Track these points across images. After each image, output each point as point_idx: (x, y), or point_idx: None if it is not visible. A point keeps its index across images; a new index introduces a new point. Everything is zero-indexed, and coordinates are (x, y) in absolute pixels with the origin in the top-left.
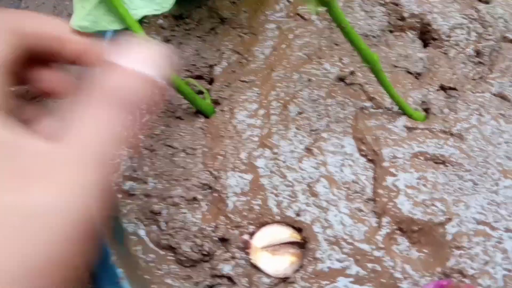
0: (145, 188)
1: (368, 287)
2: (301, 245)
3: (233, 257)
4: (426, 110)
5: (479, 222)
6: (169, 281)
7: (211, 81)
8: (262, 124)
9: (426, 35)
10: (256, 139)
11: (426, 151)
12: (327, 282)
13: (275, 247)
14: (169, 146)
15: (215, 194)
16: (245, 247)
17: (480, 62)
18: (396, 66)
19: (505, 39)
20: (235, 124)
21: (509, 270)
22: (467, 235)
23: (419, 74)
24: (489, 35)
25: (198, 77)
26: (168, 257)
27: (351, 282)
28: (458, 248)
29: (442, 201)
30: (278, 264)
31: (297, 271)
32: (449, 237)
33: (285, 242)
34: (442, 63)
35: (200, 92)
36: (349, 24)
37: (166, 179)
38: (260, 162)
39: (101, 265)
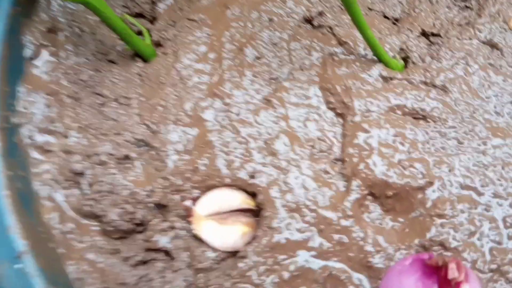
0: (65, 144)
1: (333, 262)
2: (255, 213)
3: (172, 227)
4: (405, 59)
5: (464, 187)
6: (91, 256)
7: (153, 20)
8: (212, 70)
9: None
10: (204, 87)
11: (405, 104)
12: (285, 257)
13: (223, 215)
14: (98, 94)
15: (152, 152)
16: (187, 215)
17: (466, 6)
18: (371, 9)
19: None
20: (179, 70)
21: (498, 242)
22: (450, 201)
23: (397, 19)
24: None
25: (138, 15)
26: (92, 227)
27: (313, 256)
28: (440, 216)
29: (421, 162)
30: (227, 235)
31: (249, 243)
32: (429, 204)
33: (235, 209)
34: (423, 7)
35: (140, 33)
36: None
37: (93, 134)
38: (208, 115)
39: None
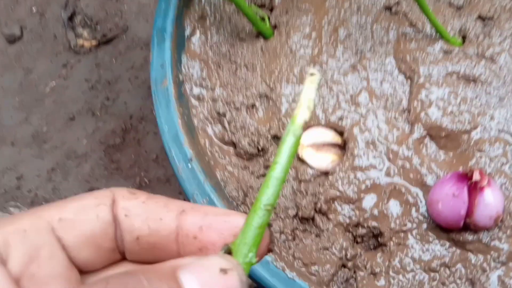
0: (212, 94)
1: (397, 180)
2: (342, 148)
3: None
4: (463, 38)
5: (501, 131)
6: (230, 168)
7: (271, 9)
8: (313, 44)
9: None
10: (307, 57)
11: (459, 70)
12: (362, 174)
13: (319, 146)
14: (233, 62)
15: (270, 102)
16: None
17: None
18: (438, 1)
19: None
20: (290, 45)
21: None
22: (489, 141)
23: (460, 7)
24: None
25: (261, 6)
26: (230, 151)
27: (382, 175)
28: (480, 151)
29: (469, 113)
30: (321, 159)
31: (336, 165)
32: (472, 142)
33: (328, 143)
34: None
35: (262, 18)
36: None
37: (230, 88)
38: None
39: (174, 144)
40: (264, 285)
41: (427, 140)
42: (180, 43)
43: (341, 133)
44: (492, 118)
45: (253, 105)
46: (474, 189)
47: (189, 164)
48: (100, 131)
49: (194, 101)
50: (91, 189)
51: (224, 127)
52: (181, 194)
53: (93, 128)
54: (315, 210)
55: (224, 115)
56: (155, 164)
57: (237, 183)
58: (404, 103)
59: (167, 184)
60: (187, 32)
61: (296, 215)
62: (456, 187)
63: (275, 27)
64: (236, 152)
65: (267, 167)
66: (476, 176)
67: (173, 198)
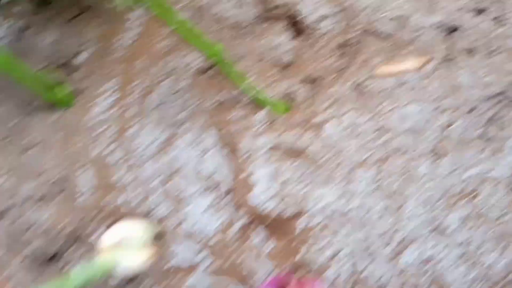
0: None
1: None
2: (159, 238)
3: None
4: (291, 101)
5: (326, 217)
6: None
7: (76, 69)
8: (118, 117)
9: (295, 26)
10: (109, 134)
11: (285, 142)
12: (180, 276)
13: (129, 243)
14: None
15: (65, 192)
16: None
17: (343, 54)
18: (262, 59)
19: (366, 32)
20: (88, 120)
21: (353, 265)
22: (314, 230)
23: (286, 65)
24: (354, 26)
25: (62, 65)
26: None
27: (206, 274)
28: (305, 242)
29: (294, 195)
30: (131, 261)
31: (150, 266)
32: (297, 232)
33: (139, 236)
34: (308, 55)
35: (59, 84)
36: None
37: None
38: (111, 159)
39: None
40: None
41: (251, 228)
42: None
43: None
44: (318, 200)
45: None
46: None
47: None
48: None
49: None
50: None
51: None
52: None
53: None
54: None
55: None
56: None
57: None
58: (227, 184)
59: None
60: None
61: None
62: None
63: (77, 93)
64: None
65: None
66: None
67: None
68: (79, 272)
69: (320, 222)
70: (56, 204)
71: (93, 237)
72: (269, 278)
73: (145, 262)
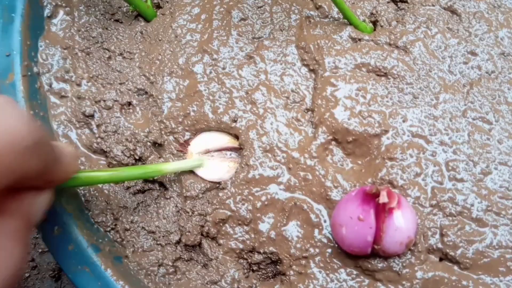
0: (78, 90)
1: (298, 195)
2: (240, 152)
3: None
4: (374, 23)
5: (414, 135)
6: (98, 184)
7: None
8: (202, 28)
9: None
10: (195, 44)
11: (369, 62)
12: (258, 189)
13: (214, 153)
14: (106, 49)
15: (150, 99)
16: (181, 150)
17: None
18: None
19: None
20: (175, 28)
21: (439, 183)
22: (401, 147)
23: None
24: None
25: None
26: (100, 161)
27: (281, 189)
28: (391, 159)
29: (379, 113)
30: (215, 169)
31: (231, 177)
32: (383, 149)
33: (222, 148)
34: None
35: None
36: None
37: (101, 83)
38: (198, 68)
39: None
40: None
41: (332, 145)
42: (35, 26)
43: (236, 137)
44: (405, 119)
45: (129, 103)
46: (382, 210)
47: None
48: None
49: (53, 99)
50: None
51: (92, 131)
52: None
53: None
54: (202, 234)
55: (92, 116)
56: None
57: (107, 204)
58: (307, 101)
59: None
60: (46, 11)
61: (179, 241)
62: (361, 209)
63: (158, 6)
64: (107, 163)
65: (146, 181)
66: (383, 198)
67: None
68: (176, 162)
69: (405, 141)
70: (141, 111)
71: (176, 145)
72: (354, 190)
73: (226, 172)
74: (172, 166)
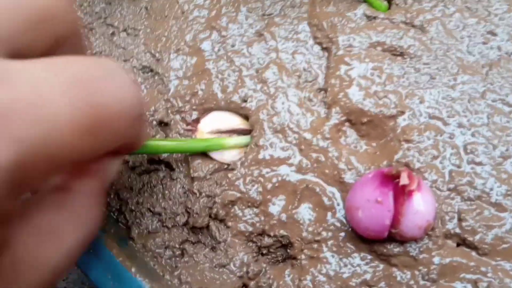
0: None
1: (310, 177)
2: (250, 133)
3: None
4: (389, 1)
5: (431, 117)
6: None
7: None
8: (210, 4)
9: None
10: (203, 20)
11: (384, 41)
12: (268, 170)
13: (225, 133)
14: (110, 24)
15: (156, 77)
16: (190, 129)
17: None
18: None
19: None
20: (181, 4)
21: (457, 166)
22: (418, 129)
23: None
24: None
25: None
26: None
27: (293, 171)
28: (407, 141)
29: (395, 94)
30: (224, 150)
31: (240, 158)
32: (399, 130)
33: (233, 129)
34: None
35: None
36: None
37: None
38: (206, 45)
39: None
40: None
41: (346, 127)
42: None
43: (246, 117)
44: (422, 100)
45: (133, 81)
46: (401, 193)
47: None
48: None
49: None
50: None
51: None
52: None
53: None
54: (210, 216)
55: None
56: None
57: (110, 185)
58: (320, 80)
59: None
60: None
61: (186, 223)
62: (379, 192)
63: None
64: None
65: (152, 161)
66: (404, 180)
67: None
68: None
69: (422, 123)
70: (146, 89)
71: (183, 125)
72: (372, 172)
73: (236, 154)
74: (232, 141)
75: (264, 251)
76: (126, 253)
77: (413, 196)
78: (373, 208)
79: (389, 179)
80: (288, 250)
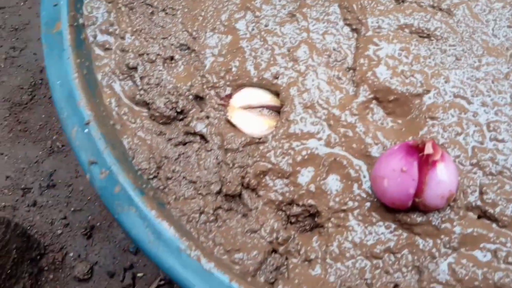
0: (122, 43)
1: (338, 151)
2: (279, 111)
3: (207, 116)
4: None
5: (456, 96)
6: (141, 134)
7: None
8: None
9: None
10: (238, 1)
11: (412, 23)
12: (298, 143)
13: (255, 109)
14: (149, 4)
15: (193, 54)
16: (223, 104)
17: None
18: None
19: None
20: None
21: (480, 142)
22: (443, 107)
23: None
24: None
25: None
26: (142, 113)
27: (321, 145)
28: (432, 118)
29: (421, 73)
30: (256, 125)
31: (270, 133)
32: (424, 108)
33: (265, 105)
34: None
35: None
36: None
37: (144, 37)
38: (240, 25)
39: (67, 104)
40: (174, 278)
41: (373, 104)
42: None
43: (276, 94)
44: (447, 80)
45: (171, 58)
46: (425, 163)
47: (85, 129)
48: (4, 87)
49: (98, 51)
50: None
51: (135, 83)
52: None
53: None
54: (243, 185)
55: (136, 68)
56: None
57: (149, 153)
58: (349, 60)
59: None
60: None
61: (219, 192)
62: (405, 161)
63: None
64: (149, 115)
65: (187, 133)
66: (428, 149)
67: None
68: None
69: (447, 101)
70: (183, 66)
71: (217, 99)
72: (398, 145)
73: (266, 129)
74: None
75: (293, 220)
76: (165, 215)
77: (437, 166)
78: (399, 177)
79: (415, 150)
80: (316, 219)
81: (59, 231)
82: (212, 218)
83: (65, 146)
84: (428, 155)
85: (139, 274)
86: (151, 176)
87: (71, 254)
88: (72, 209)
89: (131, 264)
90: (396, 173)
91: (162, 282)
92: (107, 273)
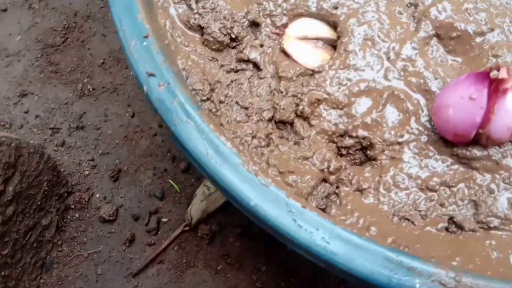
0: None
1: (396, 84)
2: (335, 44)
3: (261, 45)
4: None
5: None
6: (194, 57)
7: None
8: None
9: None
10: None
11: None
12: (355, 75)
13: (310, 41)
14: None
15: None
16: (278, 34)
17: None
18: None
19: None
20: None
21: None
22: (507, 46)
23: None
24: None
25: None
26: (195, 38)
27: (379, 78)
28: (495, 56)
29: (487, 12)
30: (310, 56)
31: (328, 62)
32: (487, 47)
33: (321, 37)
34: None
35: None
36: None
37: None
38: None
39: (127, 15)
40: (231, 191)
41: (434, 41)
42: None
43: (334, 26)
44: None
45: None
46: (495, 92)
47: (144, 42)
48: (38, 28)
49: None
50: (23, 93)
51: (190, 7)
52: (129, 106)
53: (30, 23)
54: (296, 113)
55: None
56: (101, 70)
57: (202, 75)
58: None
59: (114, 94)
60: None
61: (272, 119)
62: (474, 89)
63: None
64: (203, 40)
65: (240, 60)
66: (503, 73)
67: (120, 111)
68: None
69: (511, 41)
70: None
71: (273, 29)
72: (464, 75)
73: (320, 61)
74: None
75: (344, 152)
76: (221, 131)
77: (507, 95)
78: (466, 105)
79: (486, 77)
80: (368, 152)
81: (86, 172)
82: (264, 143)
83: (96, 89)
84: (499, 82)
85: (164, 219)
86: (204, 98)
87: (97, 195)
88: (100, 151)
89: (156, 208)
90: (464, 100)
91: (187, 228)
92: (131, 216)
